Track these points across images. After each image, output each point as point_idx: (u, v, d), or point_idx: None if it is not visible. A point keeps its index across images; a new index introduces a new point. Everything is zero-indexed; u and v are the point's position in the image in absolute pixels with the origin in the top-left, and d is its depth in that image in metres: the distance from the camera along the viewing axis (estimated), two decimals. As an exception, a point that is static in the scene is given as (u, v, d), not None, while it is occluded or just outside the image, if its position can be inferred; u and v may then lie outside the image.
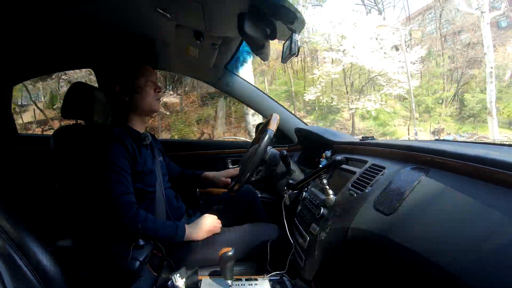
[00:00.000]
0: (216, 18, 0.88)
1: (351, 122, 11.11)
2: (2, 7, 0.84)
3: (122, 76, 1.01)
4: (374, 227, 0.54)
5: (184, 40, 1.11)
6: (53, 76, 9.37)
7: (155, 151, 1.07)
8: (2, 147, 1.41)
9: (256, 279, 0.89)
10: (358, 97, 10.83)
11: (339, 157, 0.81)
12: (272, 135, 0.98)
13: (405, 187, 0.54)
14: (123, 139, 0.93)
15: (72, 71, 7.96)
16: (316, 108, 11.52)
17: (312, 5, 11.39)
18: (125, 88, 1.01)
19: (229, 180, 1.23)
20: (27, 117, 10.44)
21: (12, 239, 0.53)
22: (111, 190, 0.86)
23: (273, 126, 1.00)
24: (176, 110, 10.36)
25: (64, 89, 9.50)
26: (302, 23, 0.80)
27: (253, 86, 1.64)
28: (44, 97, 11.04)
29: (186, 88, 10.69)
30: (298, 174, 1.14)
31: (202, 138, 9.12)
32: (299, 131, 1.50)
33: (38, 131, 9.48)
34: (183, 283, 0.82)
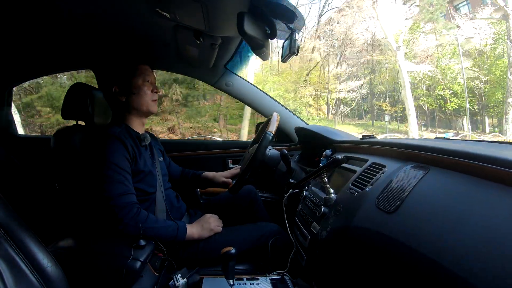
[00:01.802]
0: (215, 18, 0.88)
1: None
2: (2, 8, 0.84)
3: (119, 76, 1.01)
4: (376, 226, 0.54)
5: (183, 39, 1.11)
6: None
7: (155, 152, 1.07)
8: (3, 148, 1.42)
9: (257, 278, 0.89)
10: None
11: (339, 156, 0.81)
12: (271, 136, 0.97)
13: (406, 186, 0.54)
14: (123, 139, 0.93)
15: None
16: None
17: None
18: (122, 88, 1.00)
19: (229, 180, 1.23)
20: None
21: (13, 240, 0.53)
22: (111, 191, 0.86)
23: (273, 126, 1.00)
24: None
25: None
26: (302, 21, 0.80)
27: (253, 85, 1.64)
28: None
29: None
30: (298, 173, 1.14)
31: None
32: (299, 130, 1.50)
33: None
34: (184, 282, 0.83)
